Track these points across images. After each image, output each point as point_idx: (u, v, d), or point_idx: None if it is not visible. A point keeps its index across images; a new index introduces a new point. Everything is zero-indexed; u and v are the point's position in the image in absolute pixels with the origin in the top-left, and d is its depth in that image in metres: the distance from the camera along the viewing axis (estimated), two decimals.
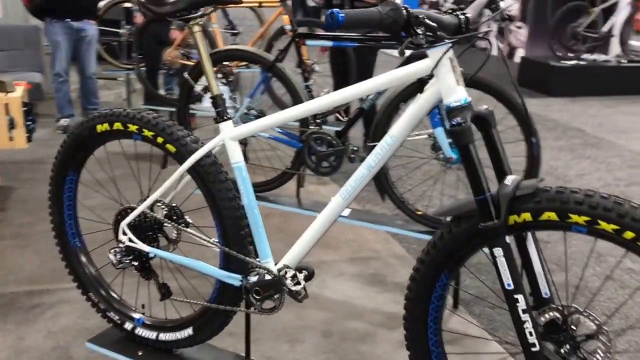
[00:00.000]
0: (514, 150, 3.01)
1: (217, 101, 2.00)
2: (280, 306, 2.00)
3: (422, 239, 3.63)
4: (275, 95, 4.93)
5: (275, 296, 1.99)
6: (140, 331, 2.30)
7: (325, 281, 3.51)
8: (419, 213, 3.23)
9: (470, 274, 3.34)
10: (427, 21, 1.56)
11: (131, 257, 2.17)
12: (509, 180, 1.63)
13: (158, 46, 5.55)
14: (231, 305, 2.09)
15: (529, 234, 1.68)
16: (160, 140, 2.03)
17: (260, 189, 3.51)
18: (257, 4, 5.12)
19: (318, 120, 3.33)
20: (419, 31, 1.56)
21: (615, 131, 6.24)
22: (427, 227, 3.20)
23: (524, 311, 1.62)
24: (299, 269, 1.93)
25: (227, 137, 2.00)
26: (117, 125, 2.09)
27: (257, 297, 1.99)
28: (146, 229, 2.16)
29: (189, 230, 2.12)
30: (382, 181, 3.23)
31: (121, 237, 2.15)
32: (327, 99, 1.84)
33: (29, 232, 4.03)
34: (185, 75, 3.43)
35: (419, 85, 2.98)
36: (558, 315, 1.66)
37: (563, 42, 7.76)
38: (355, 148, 3.22)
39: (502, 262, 1.61)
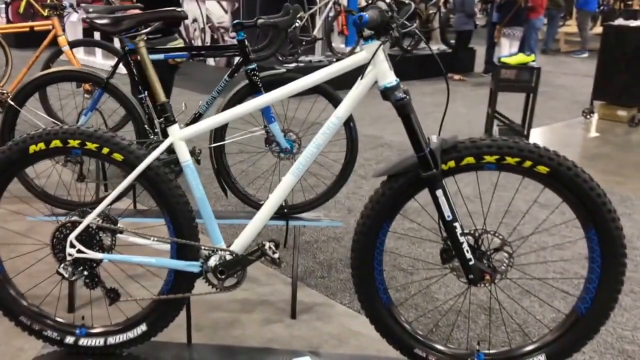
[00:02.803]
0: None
1: (165, 107, 2.21)
2: (242, 281, 2.28)
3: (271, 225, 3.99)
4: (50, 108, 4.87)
5: (238, 273, 2.27)
6: (84, 341, 2.35)
7: None
8: (262, 203, 3.58)
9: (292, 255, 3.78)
10: (400, 20, 2.02)
11: (80, 269, 2.25)
12: (434, 138, 2.14)
13: None
14: (186, 292, 2.30)
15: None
16: (105, 151, 2.16)
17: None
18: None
19: (157, 130, 3.52)
20: (394, 27, 2.01)
21: None
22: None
23: (460, 234, 2.14)
24: (269, 241, 2.24)
25: (177, 138, 2.22)
26: (55, 143, 2.16)
27: (222, 277, 2.25)
28: (91, 238, 2.25)
29: (139, 233, 2.28)
30: (225, 178, 3.53)
31: (69, 250, 2.22)
32: (282, 91, 2.18)
33: None
34: (9, 100, 3.38)
35: (250, 88, 3.38)
36: (471, 237, 2.21)
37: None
38: (199, 150, 3.47)
39: (443, 200, 2.12)
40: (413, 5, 2.16)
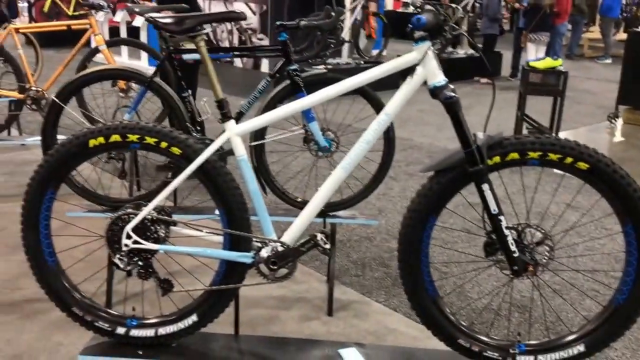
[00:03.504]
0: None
1: (222, 104, 2.28)
2: (293, 272, 2.34)
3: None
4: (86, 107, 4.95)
5: (290, 264, 2.32)
6: (135, 332, 2.39)
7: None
8: (299, 200, 3.66)
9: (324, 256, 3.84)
10: (450, 23, 2.08)
11: (136, 259, 2.31)
12: (481, 135, 2.19)
13: None
14: (237, 282, 2.35)
15: None
16: (164, 145, 2.22)
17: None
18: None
19: (199, 128, 3.59)
20: (447, 29, 2.07)
21: None
22: None
23: (506, 228, 2.20)
24: (320, 232, 2.30)
25: (233, 133, 2.29)
26: (115, 138, 2.22)
27: (274, 268, 2.31)
28: (146, 230, 2.31)
29: (193, 225, 2.34)
30: (264, 176, 3.59)
31: (125, 241, 2.28)
32: (330, 90, 2.23)
33: None
34: (53, 97, 3.46)
35: (291, 88, 3.44)
36: (514, 231, 2.25)
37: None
38: None
39: (489, 194, 2.18)
40: (461, 9, 2.22)
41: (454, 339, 2.34)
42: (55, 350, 3.08)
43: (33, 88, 4.94)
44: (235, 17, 2.41)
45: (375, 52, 10.47)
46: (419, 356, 2.49)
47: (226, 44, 10.15)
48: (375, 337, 3.28)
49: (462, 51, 11.36)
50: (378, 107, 3.49)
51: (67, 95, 3.48)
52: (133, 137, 2.23)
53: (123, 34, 10.46)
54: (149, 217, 2.30)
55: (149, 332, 2.40)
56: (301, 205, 3.62)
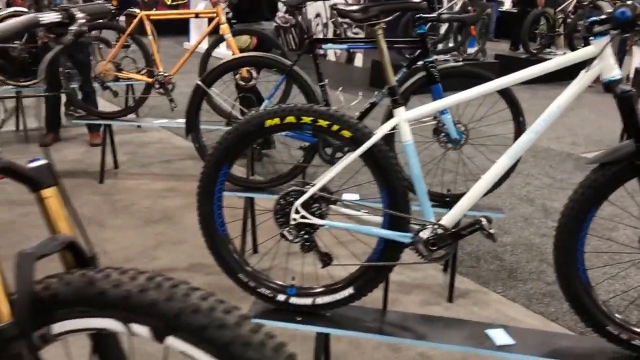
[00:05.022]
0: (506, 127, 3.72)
1: (394, 90, 2.41)
2: (450, 253, 2.46)
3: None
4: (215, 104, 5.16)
5: (448, 246, 2.44)
6: (294, 300, 2.55)
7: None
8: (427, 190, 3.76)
9: None
10: None
11: (302, 233, 2.47)
12: None
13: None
14: (393, 260, 2.48)
15: None
16: (335, 128, 2.36)
17: (271, 184, 3.80)
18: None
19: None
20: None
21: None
22: (432, 201, 3.71)
23: None
24: (483, 217, 2.40)
25: (402, 119, 2.42)
26: (290, 119, 2.37)
27: (432, 249, 2.43)
28: (309, 207, 2.47)
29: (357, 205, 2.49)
30: None
31: (294, 215, 2.44)
32: (503, 80, 2.33)
33: None
34: (198, 82, 3.65)
35: (427, 79, 3.54)
36: None
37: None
38: None
39: None
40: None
41: (602, 326, 2.41)
42: None
43: (161, 73, 5.18)
44: (417, 7, 2.52)
45: (470, 49, 10.45)
46: (566, 340, 2.56)
47: (321, 37, 10.33)
48: None
49: (561, 51, 11.22)
50: (511, 101, 3.58)
51: (211, 80, 3.67)
52: (307, 119, 2.37)
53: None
54: (316, 195, 2.45)
55: (307, 301, 2.55)
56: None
